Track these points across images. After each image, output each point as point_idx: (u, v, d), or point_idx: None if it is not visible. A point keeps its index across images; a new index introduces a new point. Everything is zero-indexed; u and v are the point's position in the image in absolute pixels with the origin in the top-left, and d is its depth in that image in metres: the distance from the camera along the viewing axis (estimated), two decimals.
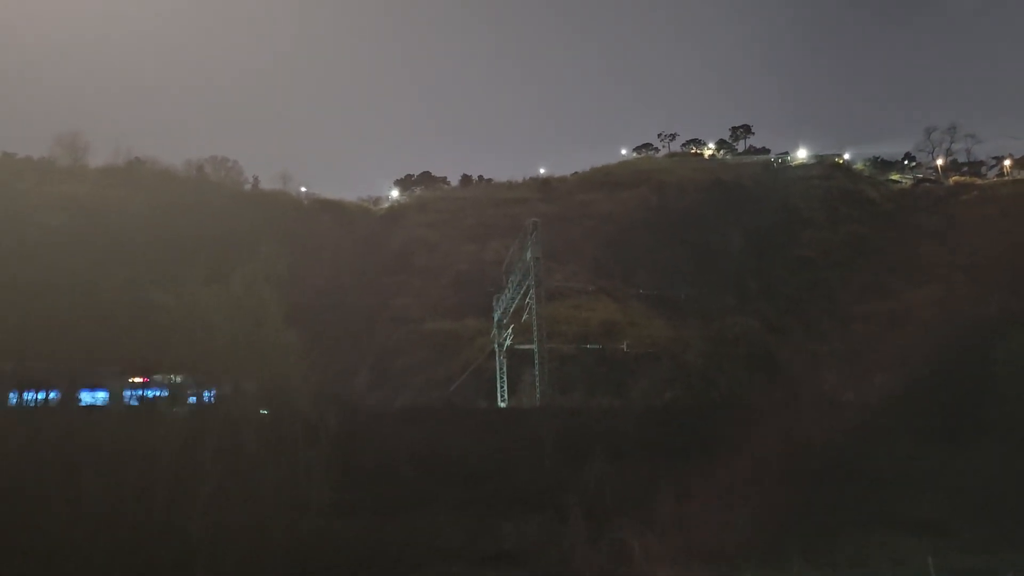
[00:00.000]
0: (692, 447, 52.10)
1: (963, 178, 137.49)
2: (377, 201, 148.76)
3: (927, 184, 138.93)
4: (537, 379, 78.16)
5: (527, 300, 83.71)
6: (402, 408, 74.58)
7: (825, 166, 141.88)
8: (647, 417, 66.95)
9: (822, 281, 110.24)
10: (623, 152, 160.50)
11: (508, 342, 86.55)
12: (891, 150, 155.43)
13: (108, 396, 61.43)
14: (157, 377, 57.12)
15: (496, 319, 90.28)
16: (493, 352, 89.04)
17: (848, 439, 55.44)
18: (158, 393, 56.67)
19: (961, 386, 70.88)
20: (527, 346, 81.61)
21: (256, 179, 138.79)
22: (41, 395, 57.68)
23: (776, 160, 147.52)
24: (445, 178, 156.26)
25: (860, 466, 53.08)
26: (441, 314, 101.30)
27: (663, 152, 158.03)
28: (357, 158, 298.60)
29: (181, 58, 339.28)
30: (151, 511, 40.66)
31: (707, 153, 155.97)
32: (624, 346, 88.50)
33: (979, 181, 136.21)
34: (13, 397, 52.62)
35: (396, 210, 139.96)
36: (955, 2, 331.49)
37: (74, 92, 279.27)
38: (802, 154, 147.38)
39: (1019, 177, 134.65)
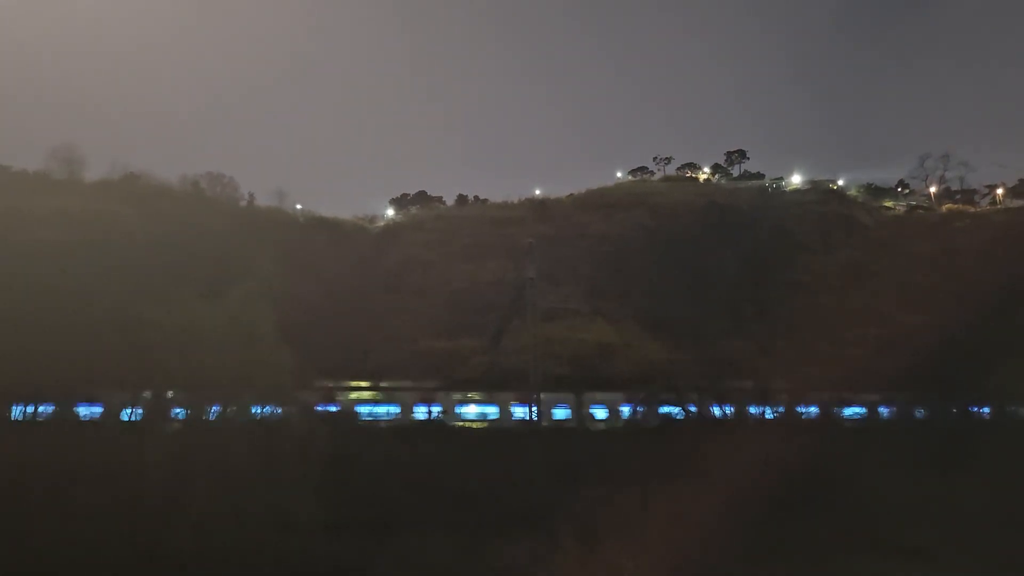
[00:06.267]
0: (684, 469, 52.03)
1: (956, 205, 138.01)
2: (373, 219, 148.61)
3: (920, 211, 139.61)
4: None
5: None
6: (394, 426, 74.36)
7: (819, 191, 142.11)
8: (639, 439, 67.06)
9: (816, 306, 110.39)
10: (619, 174, 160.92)
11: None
12: (885, 176, 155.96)
13: (101, 411, 61.43)
14: (149, 393, 57.11)
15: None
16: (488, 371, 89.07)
17: (838, 464, 55.46)
18: (152, 408, 56.64)
19: (952, 413, 71.18)
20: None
21: (252, 195, 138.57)
22: (32, 409, 57.55)
23: (771, 185, 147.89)
24: (441, 197, 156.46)
25: (849, 491, 53.08)
26: (436, 333, 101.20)
27: (658, 175, 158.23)
28: (353, 176, 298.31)
29: (177, 73, 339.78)
30: (140, 530, 40.40)
31: (702, 177, 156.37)
32: None
33: (972, 209, 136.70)
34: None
35: (391, 228, 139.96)
36: (948, 30, 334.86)
37: (70, 104, 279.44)
38: (796, 179, 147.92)
39: (1012, 206, 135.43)
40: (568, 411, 79.55)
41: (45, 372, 51.23)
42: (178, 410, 56.54)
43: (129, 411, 58.98)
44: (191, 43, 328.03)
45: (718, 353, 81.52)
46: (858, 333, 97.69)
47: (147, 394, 56.15)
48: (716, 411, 74.89)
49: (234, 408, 54.52)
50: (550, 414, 78.91)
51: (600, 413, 79.26)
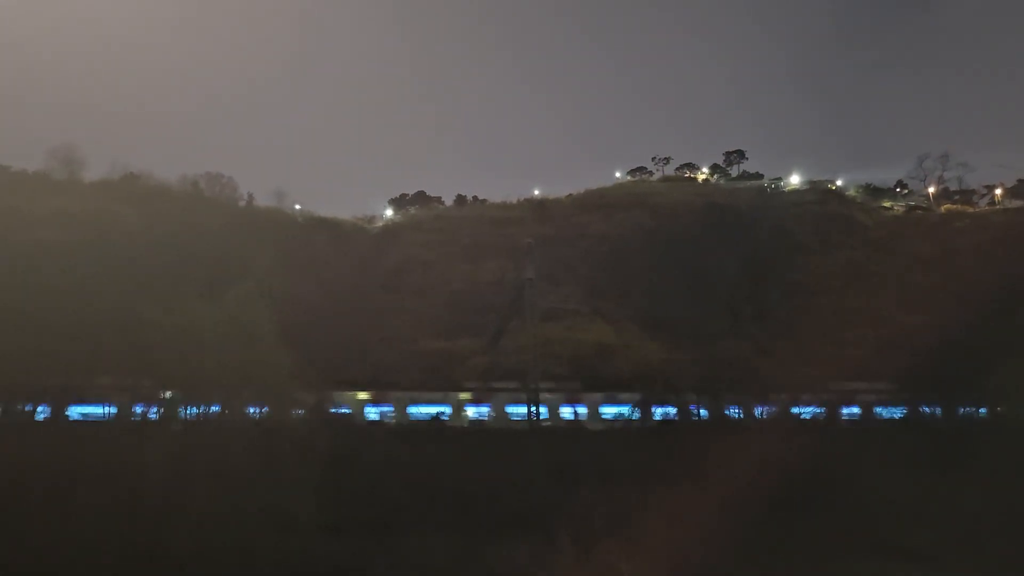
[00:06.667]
0: (683, 470, 52.05)
1: (955, 206, 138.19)
2: (372, 219, 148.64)
3: (919, 211, 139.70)
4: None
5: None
6: (393, 427, 74.33)
7: (818, 192, 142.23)
8: (638, 440, 67.08)
9: (815, 306, 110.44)
10: (617, 175, 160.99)
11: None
12: (883, 176, 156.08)
13: (100, 410, 61.48)
14: (148, 392, 57.14)
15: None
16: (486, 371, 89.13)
17: (837, 464, 55.48)
18: (151, 408, 56.69)
19: (951, 413, 71.20)
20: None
21: (251, 195, 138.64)
22: (30, 408, 57.56)
23: (770, 185, 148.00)
24: (440, 197, 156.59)
25: (849, 491, 53.09)
26: (435, 333, 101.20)
27: (657, 175, 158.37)
28: (352, 176, 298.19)
29: (177, 73, 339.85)
30: (140, 530, 40.38)
31: (701, 177, 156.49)
32: None
33: (971, 209, 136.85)
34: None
35: (391, 228, 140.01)
36: (947, 31, 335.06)
37: (70, 105, 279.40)
38: (795, 179, 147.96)
39: (1011, 206, 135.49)
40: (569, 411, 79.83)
41: (45, 372, 51.25)
42: (177, 409, 56.59)
43: (128, 411, 59.05)
44: (191, 43, 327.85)
45: (717, 353, 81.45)
46: (857, 333, 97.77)
47: (146, 394, 56.19)
48: (715, 411, 74.96)
49: (233, 408, 54.59)
50: (551, 413, 79.11)
51: (601, 412, 79.47)
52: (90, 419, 60.47)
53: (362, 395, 78.40)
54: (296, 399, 58.14)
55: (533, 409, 78.16)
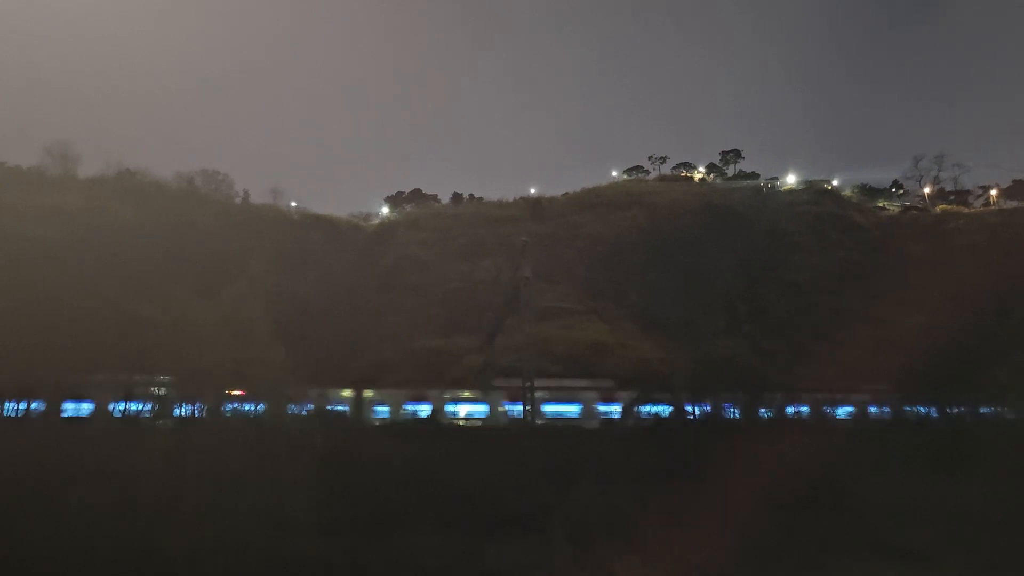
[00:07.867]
0: (679, 470, 52.04)
1: (950, 206, 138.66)
2: (368, 217, 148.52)
3: (914, 211, 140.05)
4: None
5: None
6: (389, 425, 74.21)
7: (814, 192, 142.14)
8: (634, 439, 67.00)
9: (811, 306, 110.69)
10: (614, 174, 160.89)
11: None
12: (879, 177, 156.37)
13: (94, 407, 61.24)
14: (143, 390, 57.00)
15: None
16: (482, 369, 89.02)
17: (835, 465, 55.48)
18: (144, 406, 56.55)
19: (946, 413, 71.29)
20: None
21: (247, 193, 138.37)
22: (24, 406, 57.32)
23: (766, 185, 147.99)
24: (436, 196, 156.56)
25: (847, 492, 53.09)
26: (431, 332, 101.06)
27: (654, 175, 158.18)
28: (348, 174, 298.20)
29: (173, 71, 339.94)
30: (132, 528, 40.16)
31: (697, 177, 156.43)
32: None
33: (966, 209, 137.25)
34: None
35: (387, 227, 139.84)
36: (944, 32, 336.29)
37: (66, 101, 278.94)
38: (791, 179, 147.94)
39: (1005, 206, 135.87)
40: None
41: (39, 368, 51.00)
42: (172, 407, 56.42)
43: (123, 408, 58.88)
44: (189, 41, 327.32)
45: (712, 352, 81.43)
46: (852, 333, 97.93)
47: (141, 391, 56.07)
48: (710, 410, 74.91)
49: (229, 405, 54.50)
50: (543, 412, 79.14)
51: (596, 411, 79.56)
52: (84, 416, 60.29)
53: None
54: (291, 397, 58.06)
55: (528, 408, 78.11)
